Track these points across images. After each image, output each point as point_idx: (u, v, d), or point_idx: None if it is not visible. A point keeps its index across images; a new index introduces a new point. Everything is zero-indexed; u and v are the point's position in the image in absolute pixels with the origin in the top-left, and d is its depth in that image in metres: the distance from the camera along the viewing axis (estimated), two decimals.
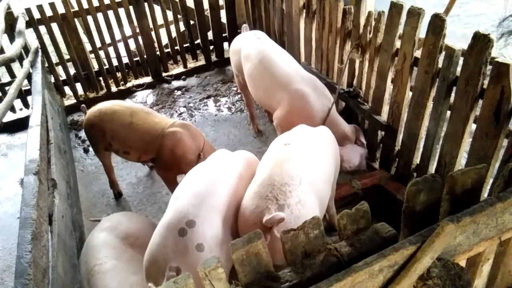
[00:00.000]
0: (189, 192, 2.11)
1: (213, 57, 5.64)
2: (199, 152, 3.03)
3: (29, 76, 3.82)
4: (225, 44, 5.59)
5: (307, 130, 2.53)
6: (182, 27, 5.47)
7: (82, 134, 4.63)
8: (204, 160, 2.67)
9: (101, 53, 5.13)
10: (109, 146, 3.26)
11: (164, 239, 1.92)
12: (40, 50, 4.33)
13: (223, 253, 1.95)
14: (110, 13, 4.78)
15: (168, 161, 3.04)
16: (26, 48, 4.21)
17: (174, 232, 1.91)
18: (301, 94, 3.14)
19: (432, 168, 2.85)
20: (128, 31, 5.04)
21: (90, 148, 4.36)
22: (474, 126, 2.43)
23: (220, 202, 2.08)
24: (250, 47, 3.56)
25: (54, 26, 4.63)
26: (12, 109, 4.83)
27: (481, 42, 2.19)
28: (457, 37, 5.69)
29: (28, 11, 4.44)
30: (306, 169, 2.16)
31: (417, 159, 2.96)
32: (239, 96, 4.87)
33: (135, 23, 4.98)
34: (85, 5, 4.65)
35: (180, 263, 1.84)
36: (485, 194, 2.44)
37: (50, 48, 4.78)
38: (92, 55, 5.05)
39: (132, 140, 3.13)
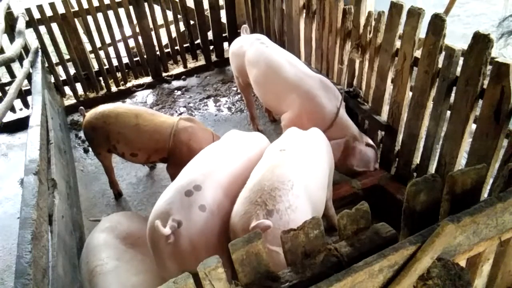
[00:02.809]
0: (201, 164, 2.32)
1: (213, 57, 5.64)
2: (212, 143, 3.07)
3: (29, 76, 3.82)
4: (225, 44, 5.59)
5: (300, 134, 2.52)
6: (182, 27, 5.47)
7: (82, 134, 4.62)
8: None
9: (101, 53, 5.13)
10: (112, 149, 3.26)
11: (171, 197, 2.10)
12: (40, 50, 4.33)
13: (219, 221, 2.11)
14: (110, 13, 4.78)
15: (184, 157, 3.03)
16: (26, 48, 4.21)
17: (181, 193, 2.09)
18: (311, 96, 3.13)
19: (432, 168, 2.85)
20: (128, 31, 5.04)
21: (90, 148, 4.36)
22: (474, 126, 2.43)
23: (225, 179, 2.25)
24: (255, 53, 3.53)
25: (54, 26, 4.63)
26: (12, 109, 4.83)
27: (481, 42, 2.19)
28: (457, 37, 5.69)
29: (28, 11, 4.44)
30: (299, 174, 2.14)
31: (417, 159, 2.96)
32: (239, 96, 4.87)
33: (135, 23, 4.98)
34: (85, 5, 4.64)
35: (183, 217, 2.01)
36: (485, 194, 2.44)
37: (50, 48, 4.78)
38: (92, 55, 5.05)
39: (140, 141, 3.12)
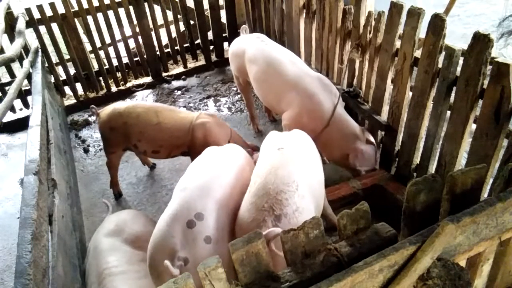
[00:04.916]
0: (195, 184, 2.15)
1: (213, 57, 5.64)
2: (228, 139, 3.14)
3: (29, 76, 3.81)
4: (225, 44, 5.59)
5: (286, 134, 2.49)
6: (182, 27, 5.47)
7: (82, 134, 4.63)
8: None
9: (101, 53, 5.13)
10: (133, 148, 3.29)
11: (172, 229, 1.94)
12: (40, 50, 4.33)
13: (226, 246, 1.97)
14: (110, 13, 4.78)
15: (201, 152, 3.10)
16: (26, 48, 4.21)
17: (182, 223, 1.94)
18: (310, 95, 3.13)
19: (432, 168, 2.85)
20: (128, 31, 5.04)
21: (90, 148, 4.37)
22: (474, 126, 2.43)
23: (225, 195, 2.14)
24: (255, 51, 3.53)
25: (54, 26, 4.63)
26: (12, 109, 4.83)
27: (481, 42, 2.19)
28: (457, 37, 5.69)
29: (28, 11, 4.44)
30: (302, 173, 2.11)
31: (417, 159, 2.96)
32: (239, 96, 4.87)
33: (135, 23, 4.98)
34: (85, 5, 4.64)
35: (188, 254, 1.88)
36: (485, 194, 2.44)
37: (50, 48, 4.77)
38: (92, 55, 5.05)
39: (162, 138, 3.17)
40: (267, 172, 2.09)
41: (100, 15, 4.72)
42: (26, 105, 4.88)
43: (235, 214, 2.13)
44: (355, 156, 3.09)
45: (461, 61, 2.39)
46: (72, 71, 4.98)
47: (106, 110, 3.29)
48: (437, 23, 2.43)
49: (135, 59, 5.21)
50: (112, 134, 3.25)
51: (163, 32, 5.22)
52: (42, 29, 4.59)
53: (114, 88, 5.26)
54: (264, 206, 1.93)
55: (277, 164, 2.12)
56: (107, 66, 5.11)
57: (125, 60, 5.18)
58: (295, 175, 2.07)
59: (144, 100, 5.13)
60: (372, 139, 3.18)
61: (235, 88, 5.03)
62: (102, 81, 5.21)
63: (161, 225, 2.00)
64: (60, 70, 5.08)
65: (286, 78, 3.26)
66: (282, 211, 1.90)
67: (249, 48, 3.61)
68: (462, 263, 1.43)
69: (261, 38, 3.70)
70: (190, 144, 3.13)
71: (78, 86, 5.11)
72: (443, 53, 2.47)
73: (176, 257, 1.86)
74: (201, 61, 5.64)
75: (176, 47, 5.35)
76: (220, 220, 2.03)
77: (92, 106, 3.44)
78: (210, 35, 5.48)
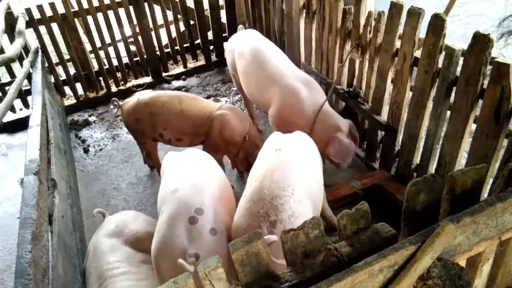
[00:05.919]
0: (186, 184, 2.15)
1: (213, 57, 5.64)
2: (245, 134, 3.15)
3: (29, 76, 3.81)
4: (225, 44, 5.59)
5: (285, 136, 2.48)
6: (182, 27, 5.47)
7: (82, 134, 4.63)
8: (250, 141, 3.08)
9: (101, 53, 5.13)
10: (158, 137, 3.32)
11: (175, 229, 1.93)
12: (40, 50, 4.33)
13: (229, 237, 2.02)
14: (110, 13, 4.78)
15: (216, 143, 3.15)
16: (26, 48, 4.21)
17: (185, 221, 1.95)
18: (291, 90, 3.14)
19: (432, 168, 2.85)
20: (128, 31, 5.04)
21: (90, 148, 4.37)
22: (474, 126, 2.43)
23: (216, 191, 2.17)
24: (243, 45, 3.57)
25: (54, 26, 4.63)
26: (12, 109, 4.83)
27: (481, 42, 2.19)
28: (457, 37, 5.69)
29: (28, 11, 4.44)
30: (298, 176, 2.09)
31: (417, 159, 2.96)
32: (239, 96, 4.86)
33: (135, 23, 4.98)
34: (85, 5, 4.64)
35: (198, 249, 1.87)
36: (485, 194, 2.44)
37: (50, 48, 4.77)
38: (92, 55, 5.05)
39: (185, 126, 3.21)
40: (262, 176, 2.07)
41: (100, 15, 4.72)
42: (26, 105, 4.88)
43: (229, 210, 2.15)
44: (331, 144, 3.02)
45: (461, 61, 2.40)
46: (72, 71, 4.98)
47: (130, 102, 3.31)
48: (437, 23, 2.43)
49: (135, 59, 5.21)
50: (139, 125, 3.28)
51: (163, 32, 5.21)
52: (42, 29, 4.59)
53: (114, 88, 5.26)
54: (259, 212, 1.91)
55: (273, 167, 2.10)
56: (107, 66, 5.11)
57: (125, 60, 5.18)
58: (291, 178, 2.04)
59: None
60: (357, 135, 3.19)
61: (235, 88, 5.03)
62: (102, 81, 5.21)
63: (162, 229, 1.99)
64: (60, 70, 5.08)
65: (269, 73, 3.27)
66: (277, 217, 1.89)
67: (239, 43, 3.64)
68: (462, 263, 1.43)
69: (252, 33, 3.73)
70: (206, 134, 3.16)
71: (78, 86, 5.10)
72: (443, 53, 2.47)
73: (186, 255, 1.85)
74: (201, 61, 5.64)
75: (176, 47, 5.35)
76: (218, 213, 2.06)
77: (114, 98, 3.45)
78: (210, 35, 5.48)
